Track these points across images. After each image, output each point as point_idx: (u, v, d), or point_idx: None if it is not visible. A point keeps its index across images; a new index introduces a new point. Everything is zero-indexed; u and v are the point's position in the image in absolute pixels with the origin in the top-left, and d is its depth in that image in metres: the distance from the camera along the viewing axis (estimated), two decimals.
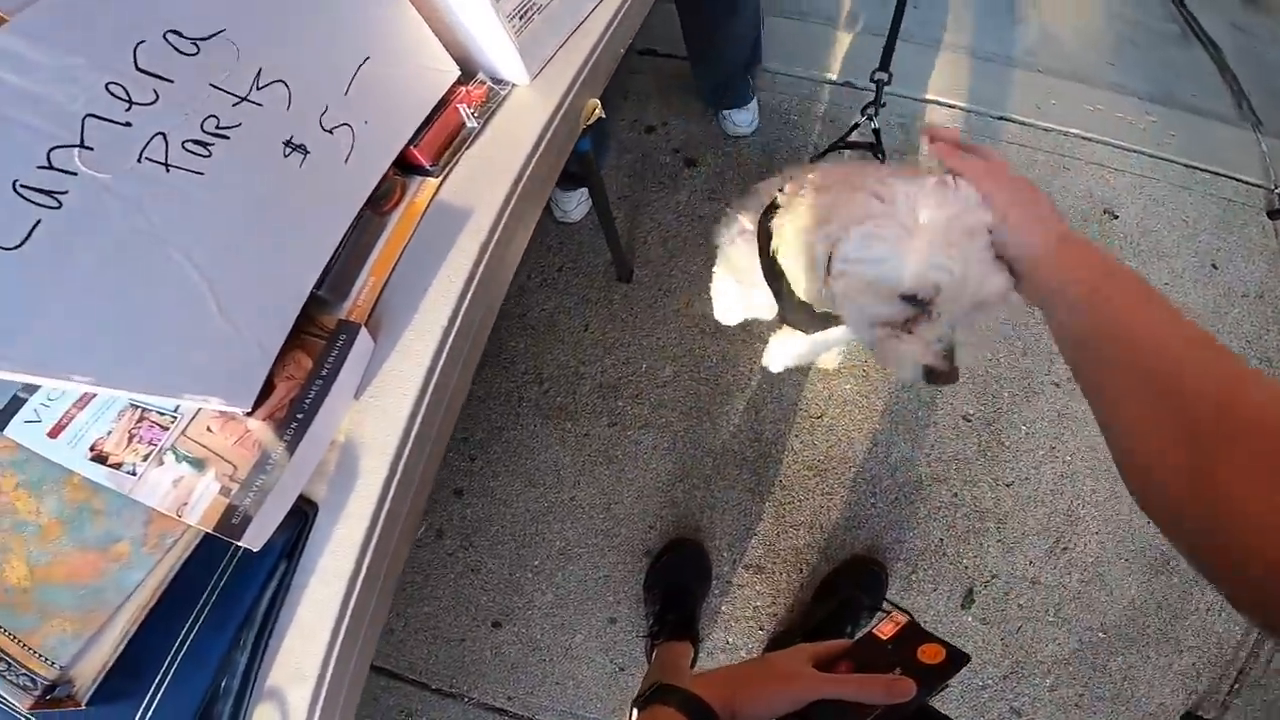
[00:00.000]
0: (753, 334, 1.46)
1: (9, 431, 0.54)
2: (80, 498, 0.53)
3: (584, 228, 1.58)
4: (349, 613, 0.53)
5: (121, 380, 0.39)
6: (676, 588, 1.27)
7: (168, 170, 0.39)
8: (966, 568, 1.33)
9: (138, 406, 0.52)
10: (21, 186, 0.32)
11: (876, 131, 0.91)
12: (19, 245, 0.33)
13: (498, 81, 0.69)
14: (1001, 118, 1.77)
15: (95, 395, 0.53)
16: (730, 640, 1.30)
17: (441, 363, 0.57)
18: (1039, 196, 0.51)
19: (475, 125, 0.66)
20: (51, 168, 0.33)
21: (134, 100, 0.36)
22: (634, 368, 1.46)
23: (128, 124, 0.36)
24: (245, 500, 0.48)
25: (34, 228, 0.33)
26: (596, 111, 0.77)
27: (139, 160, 0.37)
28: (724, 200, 1.60)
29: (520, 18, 0.63)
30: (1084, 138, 1.75)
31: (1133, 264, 1.53)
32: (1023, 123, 1.76)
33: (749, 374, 1.45)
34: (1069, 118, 1.77)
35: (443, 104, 0.64)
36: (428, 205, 0.62)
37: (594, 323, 1.50)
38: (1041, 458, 1.41)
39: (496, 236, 0.61)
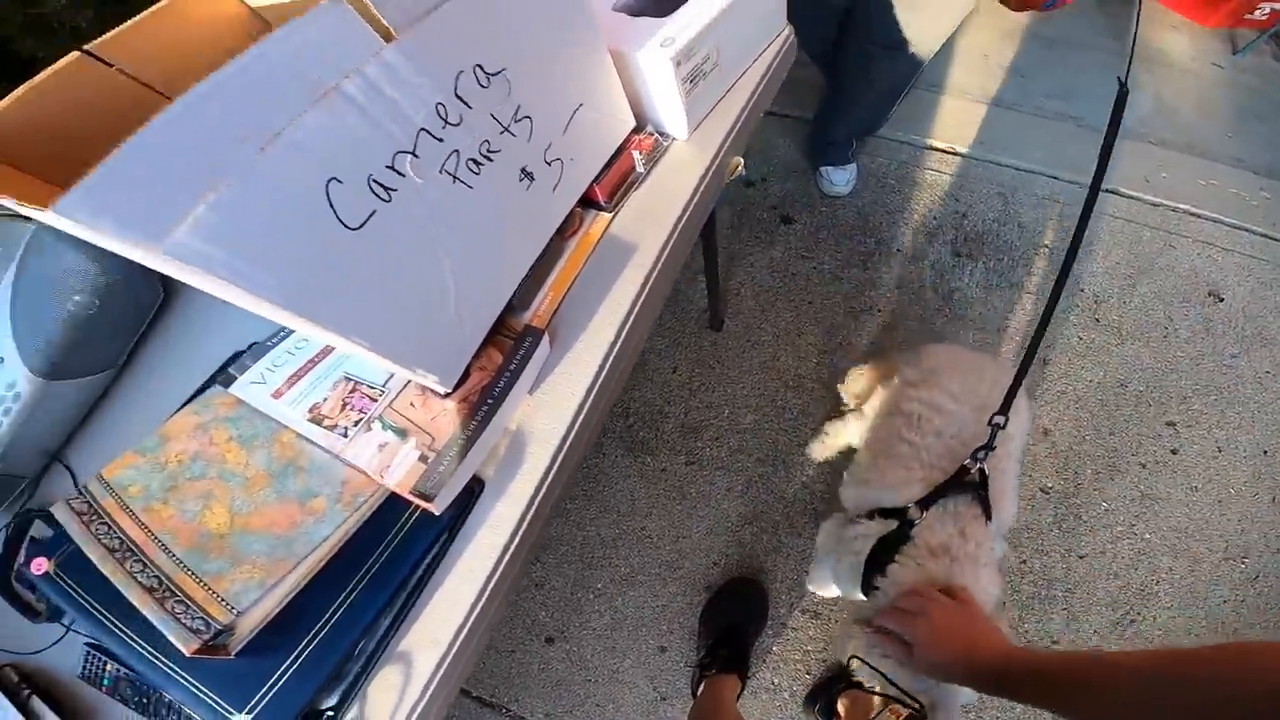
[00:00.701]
0: (832, 391, 1.50)
1: (234, 389, 0.64)
2: (288, 455, 0.61)
3: (681, 274, 1.68)
4: (491, 585, 0.59)
5: (383, 347, 0.48)
6: (733, 624, 1.31)
7: (453, 182, 0.48)
8: (1028, 632, 1.34)
9: (351, 379, 0.61)
10: (372, 181, 0.41)
11: (983, 473, 0.85)
12: (358, 228, 0.42)
13: (663, 134, 0.78)
14: (1108, 190, 1.76)
15: (317, 365, 0.62)
16: (776, 681, 1.33)
17: (605, 373, 0.64)
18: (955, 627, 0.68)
19: (643, 171, 0.75)
20: (392, 169, 0.42)
21: (448, 120, 0.45)
22: (716, 412, 1.53)
23: (440, 140, 0.45)
24: (439, 469, 0.56)
25: (370, 215, 0.42)
26: (739, 169, 0.86)
27: (439, 171, 0.46)
28: (816, 259, 1.67)
29: (690, 82, 0.73)
30: (1193, 213, 1.71)
31: (1234, 351, 1.55)
32: (1130, 196, 1.75)
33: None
34: (1179, 191, 1.72)
35: (619, 150, 0.74)
36: (600, 237, 0.71)
37: (682, 365, 1.58)
38: (1119, 534, 1.41)
39: (656, 271, 0.70)
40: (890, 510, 0.87)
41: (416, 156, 0.44)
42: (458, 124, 0.46)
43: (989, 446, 0.83)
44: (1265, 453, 1.45)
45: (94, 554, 0.56)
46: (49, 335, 0.70)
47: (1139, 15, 0.99)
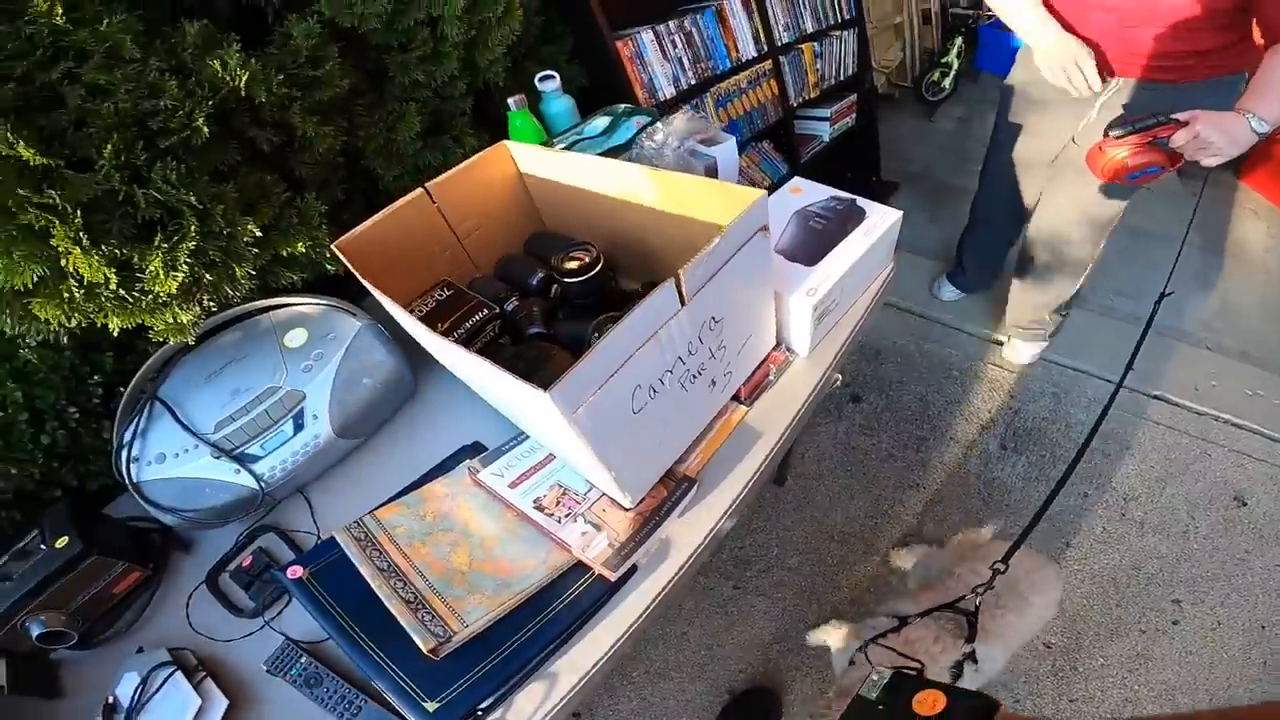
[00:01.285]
0: (875, 549, 1.73)
1: (481, 475, 0.95)
2: (512, 526, 0.90)
3: None
4: (623, 637, 0.83)
5: (624, 476, 0.78)
6: None
7: (681, 388, 0.80)
8: None
9: (562, 485, 0.91)
10: (650, 387, 0.73)
11: (977, 609, 1.03)
12: (637, 413, 0.73)
13: (790, 351, 1.09)
14: (1155, 396, 1.91)
15: (540, 470, 0.93)
16: None
17: (730, 512, 0.93)
18: None
19: (773, 379, 1.06)
20: (660, 380, 0.75)
21: (690, 352, 0.78)
22: (767, 550, 1.78)
23: (684, 363, 0.77)
24: (620, 555, 0.84)
25: (643, 406, 0.74)
26: (838, 382, 1.16)
27: (677, 381, 0.78)
28: (876, 437, 1.95)
29: (818, 317, 1.04)
30: (1234, 424, 1.83)
31: (1249, 548, 1.67)
32: (1175, 403, 1.89)
33: (861, 582, 1.72)
34: (1225, 402, 1.81)
35: (761, 362, 1.05)
36: (738, 423, 1.00)
37: (746, 509, 1.86)
38: (1111, 684, 1.53)
39: (773, 452, 0.99)
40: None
41: (671, 373, 0.76)
42: (694, 354, 0.79)
43: (988, 585, 1.00)
44: (1263, 628, 1.58)
45: (366, 570, 0.84)
46: (348, 405, 1.01)
47: (1190, 223, 1.25)
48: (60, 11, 0.78)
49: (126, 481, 0.95)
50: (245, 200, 0.91)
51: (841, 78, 2.45)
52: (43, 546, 0.90)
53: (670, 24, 1.76)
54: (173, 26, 0.89)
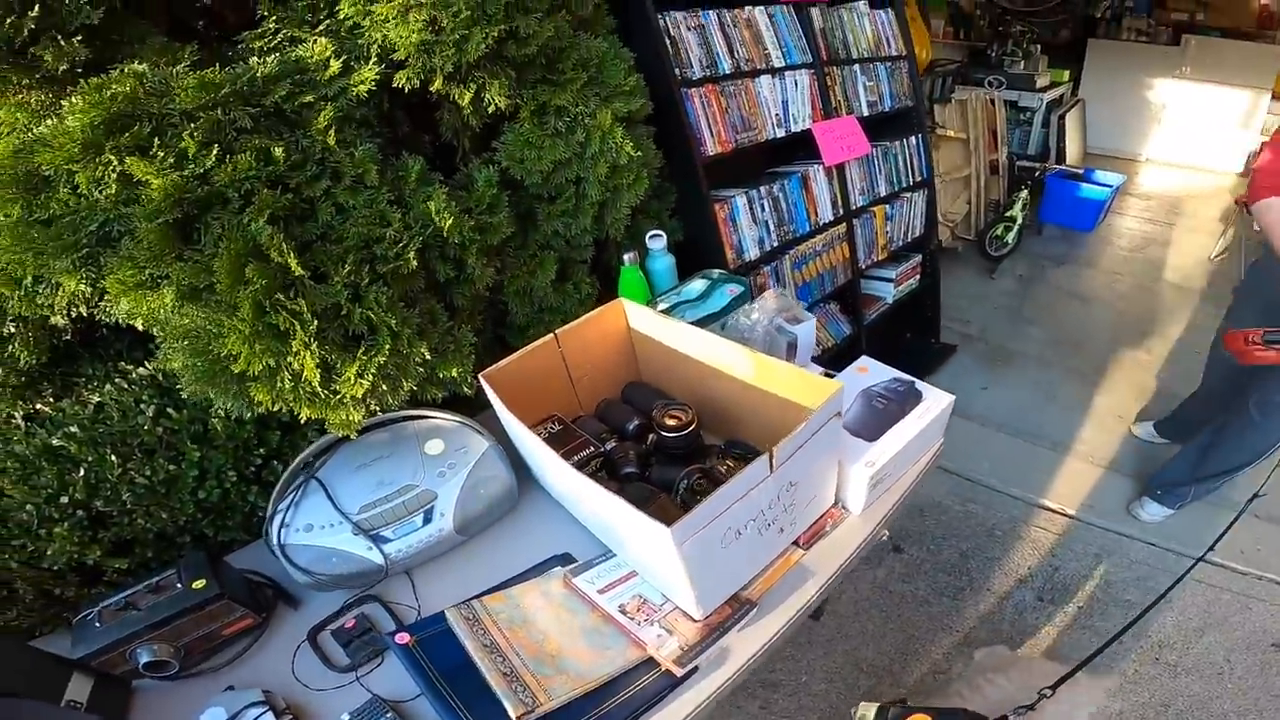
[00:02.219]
0: (901, 683, 1.81)
1: (576, 581, 1.13)
2: (597, 624, 1.07)
3: None
4: None
5: (703, 595, 0.97)
6: None
7: (758, 533, 0.99)
8: None
9: (642, 597, 1.09)
10: (736, 531, 0.92)
11: None
12: (723, 549, 0.92)
13: (845, 509, 1.26)
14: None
15: (625, 583, 1.11)
16: None
17: (779, 635, 1.07)
18: None
19: (829, 530, 1.22)
20: (745, 527, 0.94)
21: (769, 506, 0.97)
22: (795, 676, 1.90)
23: (762, 512, 0.97)
24: (687, 655, 0.99)
25: (729, 545, 0.92)
26: (885, 536, 1.32)
27: (756, 527, 0.97)
28: (914, 584, 2.05)
29: (873, 484, 1.21)
30: (1276, 582, 1.91)
31: None
32: (1220, 565, 1.96)
33: None
34: (1272, 564, 1.89)
35: (820, 515, 1.22)
36: (795, 563, 1.17)
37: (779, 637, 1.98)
38: None
39: (821, 589, 1.14)
40: None
41: (754, 521, 0.95)
42: (771, 508, 0.98)
43: (1030, 707, 1.08)
44: None
45: (471, 645, 1.01)
46: (469, 509, 1.21)
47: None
48: (333, 134, 1.05)
49: (274, 542, 1.15)
50: (420, 325, 1.16)
51: (909, 239, 2.71)
52: (179, 585, 1.07)
53: (761, 189, 2.05)
54: (394, 158, 1.16)
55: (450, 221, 1.13)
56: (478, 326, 1.32)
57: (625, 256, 1.55)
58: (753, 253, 2.07)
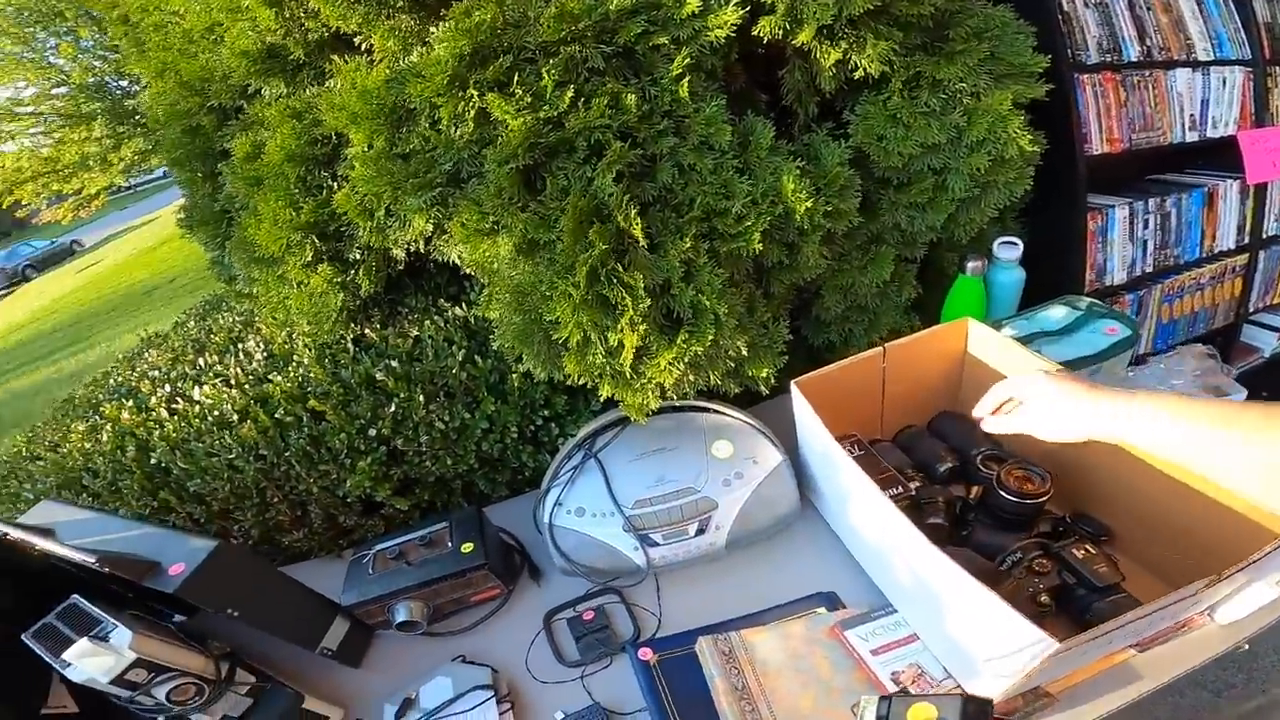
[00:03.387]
0: None
1: (847, 635, 0.96)
2: (859, 685, 0.91)
3: None
4: None
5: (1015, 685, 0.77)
6: None
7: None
8: None
9: (919, 666, 0.90)
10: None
11: None
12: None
13: (1211, 617, 0.92)
14: None
15: (902, 647, 0.92)
16: None
17: None
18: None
19: (1177, 635, 0.90)
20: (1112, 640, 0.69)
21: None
22: None
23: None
24: None
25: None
26: (1244, 647, 0.94)
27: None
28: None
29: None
30: None
31: None
32: None
33: None
34: None
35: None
36: (1119, 661, 0.88)
37: None
38: None
39: (1148, 692, 0.86)
40: None
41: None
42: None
43: None
44: None
45: (721, 684, 0.92)
46: (746, 526, 1.10)
47: None
48: (686, 84, 0.94)
49: (544, 519, 1.12)
50: (740, 316, 1.03)
51: None
52: (449, 544, 1.09)
53: (1150, 201, 1.63)
54: (736, 117, 1.02)
55: (807, 204, 0.97)
56: (787, 323, 1.16)
57: (968, 264, 1.29)
58: (1118, 276, 1.68)
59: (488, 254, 0.98)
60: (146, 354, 1.78)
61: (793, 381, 1.05)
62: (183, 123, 1.40)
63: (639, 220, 0.91)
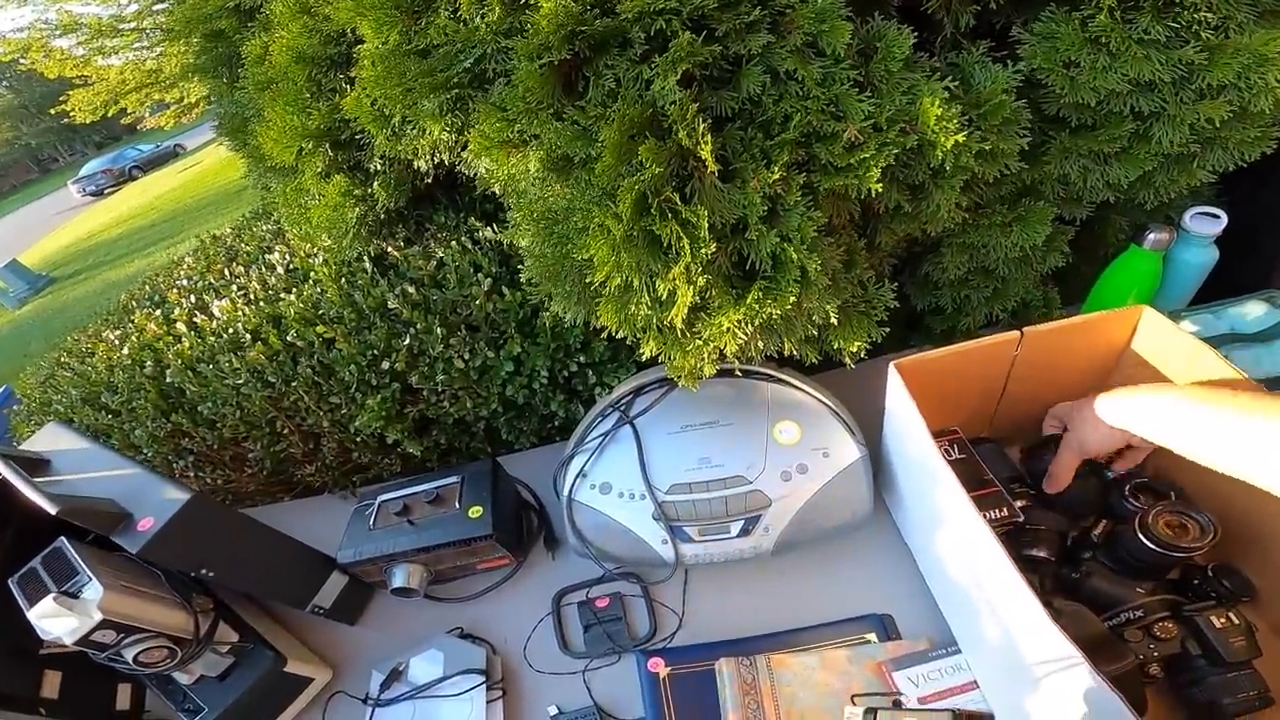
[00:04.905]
0: None
1: (894, 676, 0.82)
2: None
3: None
4: None
5: None
6: None
7: None
8: None
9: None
10: None
11: None
12: None
13: None
14: None
15: (954, 696, 0.78)
16: None
17: None
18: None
19: None
20: None
21: None
22: None
23: None
24: None
25: None
26: None
27: None
28: None
29: None
30: None
31: None
32: None
33: None
34: None
35: None
36: None
37: None
38: None
39: None
40: None
41: None
42: None
43: None
44: None
45: (735, 715, 0.81)
46: (803, 531, 0.92)
47: None
48: None
49: (563, 489, 0.98)
50: (834, 272, 0.82)
51: None
52: (457, 505, 0.99)
53: None
54: (860, 20, 0.78)
55: (957, 136, 0.72)
56: (892, 287, 0.93)
57: (1149, 235, 1.02)
58: None
59: (515, 170, 0.80)
60: (187, 259, 1.74)
61: (892, 363, 0.84)
62: (204, 27, 1.32)
63: (709, 139, 0.71)
